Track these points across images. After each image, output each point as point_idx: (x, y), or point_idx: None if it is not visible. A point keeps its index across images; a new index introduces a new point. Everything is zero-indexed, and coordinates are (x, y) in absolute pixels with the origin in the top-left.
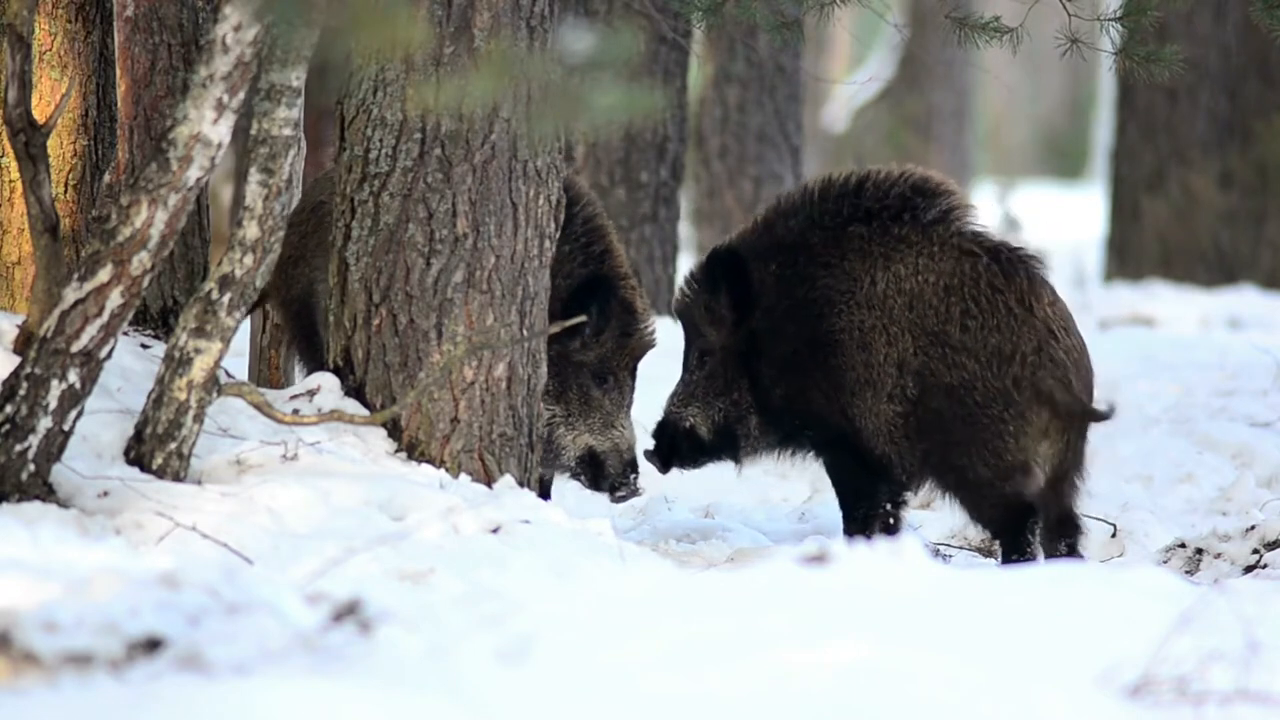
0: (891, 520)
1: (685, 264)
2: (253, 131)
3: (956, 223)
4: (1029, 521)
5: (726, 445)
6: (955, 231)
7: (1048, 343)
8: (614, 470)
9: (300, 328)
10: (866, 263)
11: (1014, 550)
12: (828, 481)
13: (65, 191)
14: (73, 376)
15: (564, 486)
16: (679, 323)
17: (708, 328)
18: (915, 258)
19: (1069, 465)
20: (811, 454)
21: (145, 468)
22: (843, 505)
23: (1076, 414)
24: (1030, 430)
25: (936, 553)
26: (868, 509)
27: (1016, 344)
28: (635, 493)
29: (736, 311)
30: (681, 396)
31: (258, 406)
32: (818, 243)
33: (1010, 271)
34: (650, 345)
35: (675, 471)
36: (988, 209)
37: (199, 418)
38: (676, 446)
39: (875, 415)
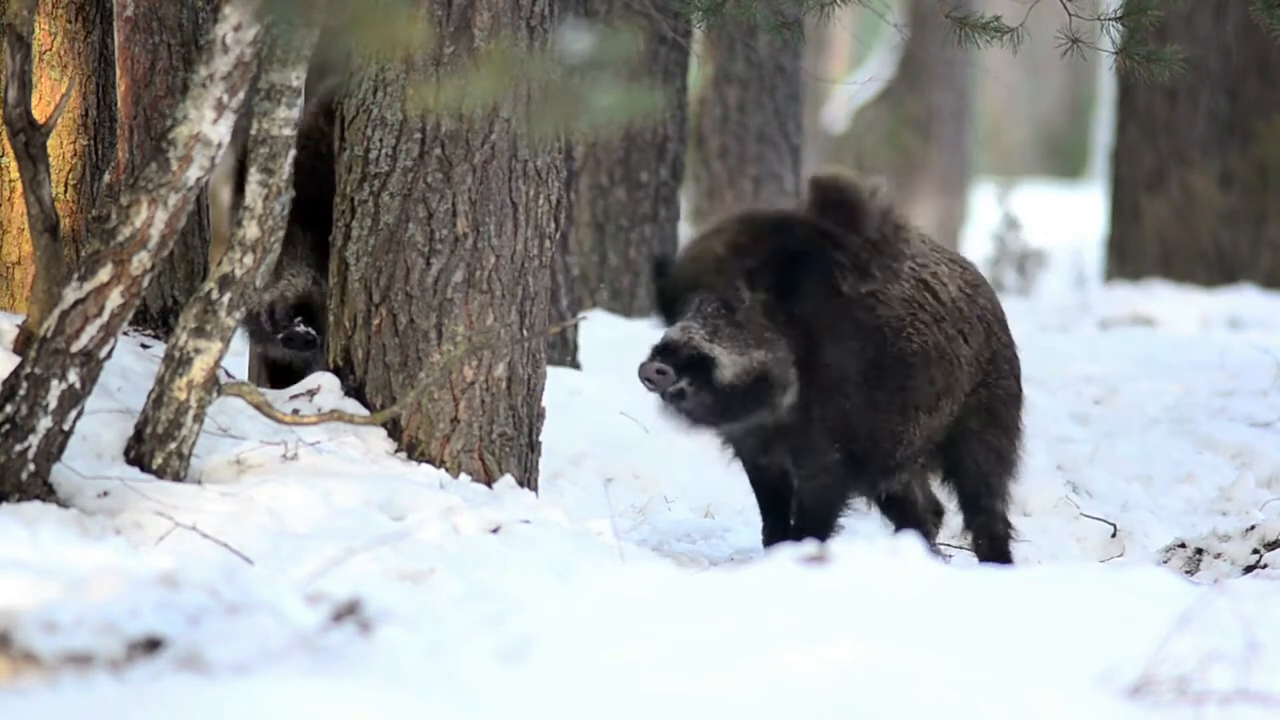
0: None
1: None
2: (253, 131)
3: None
4: None
5: (752, 395)
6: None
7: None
8: (280, 316)
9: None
10: (912, 281)
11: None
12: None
13: (65, 191)
14: (73, 376)
15: (564, 486)
16: (680, 276)
17: (743, 283)
18: (945, 265)
19: None
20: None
21: (145, 468)
22: (824, 523)
23: None
24: None
25: (936, 553)
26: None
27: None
28: (304, 339)
29: (780, 287)
30: (705, 332)
31: (258, 406)
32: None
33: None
34: None
35: (680, 385)
36: (988, 209)
37: (199, 418)
38: (694, 367)
39: (936, 422)
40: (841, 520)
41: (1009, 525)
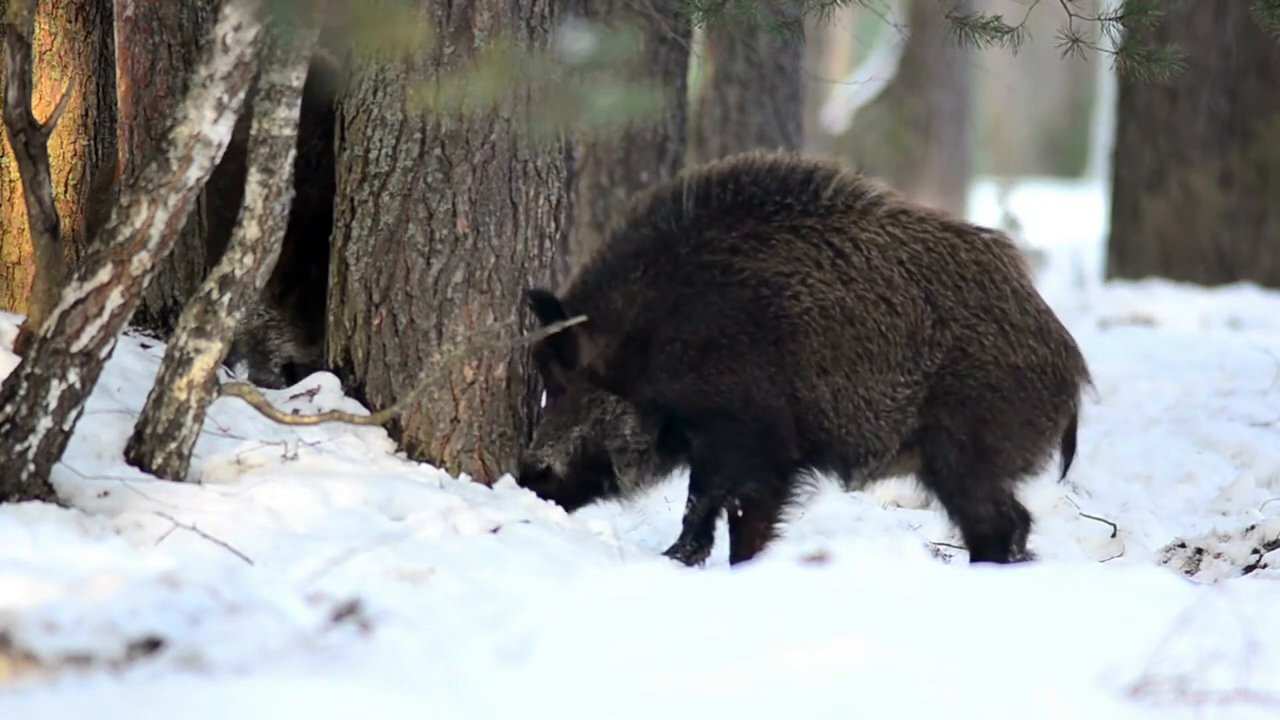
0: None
1: None
2: (253, 131)
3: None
4: None
5: (591, 469)
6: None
7: None
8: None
9: None
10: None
11: None
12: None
13: (65, 191)
14: (73, 376)
15: None
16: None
17: (556, 367)
18: (887, 236)
19: None
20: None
21: (145, 468)
22: (710, 484)
23: None
24: None
25: (936, 553)
26: (729, 491)
27: None
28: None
29: (574, 352)
30: (537, 439)
31: (258, 406)
32: (712, 231)
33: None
34: None
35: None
36: (988, 209)
37: (199, 418)
38: (535, 489)
39: (871, 389)
40: (724, 487)
41: (998, 522)
